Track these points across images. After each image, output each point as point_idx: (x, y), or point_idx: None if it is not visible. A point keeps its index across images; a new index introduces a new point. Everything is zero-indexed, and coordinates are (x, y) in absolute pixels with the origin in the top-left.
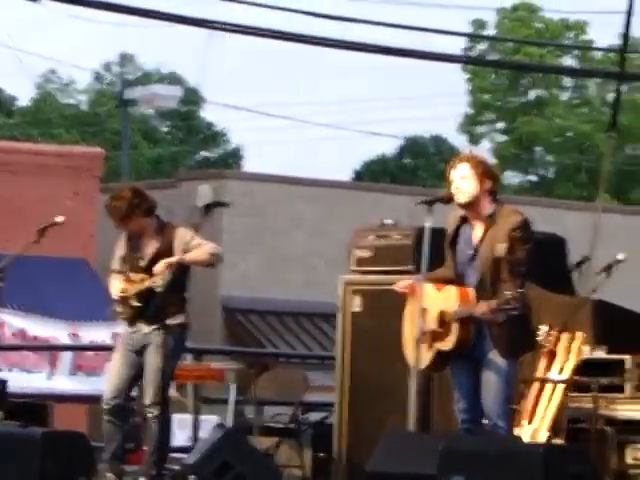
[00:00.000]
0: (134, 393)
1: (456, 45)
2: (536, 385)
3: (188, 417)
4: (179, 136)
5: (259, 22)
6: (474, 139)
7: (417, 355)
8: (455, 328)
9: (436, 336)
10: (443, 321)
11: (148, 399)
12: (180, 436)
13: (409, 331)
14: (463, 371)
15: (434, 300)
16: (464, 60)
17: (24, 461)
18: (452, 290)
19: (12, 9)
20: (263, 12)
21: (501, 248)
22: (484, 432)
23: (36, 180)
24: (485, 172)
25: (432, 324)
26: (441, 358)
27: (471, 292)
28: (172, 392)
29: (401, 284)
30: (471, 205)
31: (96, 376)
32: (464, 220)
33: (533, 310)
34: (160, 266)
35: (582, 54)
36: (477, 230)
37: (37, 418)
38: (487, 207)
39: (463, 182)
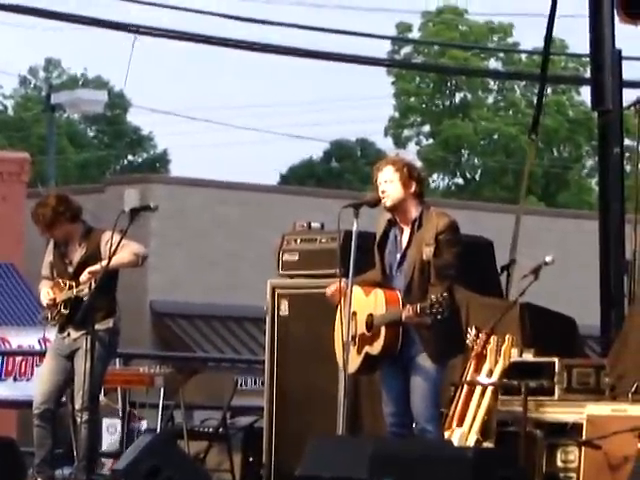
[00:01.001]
0: (64, 398)
1: (381, 48)
2: (465, 388)
3: (117, 422)
4: (105, 140)
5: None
6: (400, 142)
7: (346, 359)
8: (383, 332)
9: (365, 340)
10: (371, 325)
11: (78, 404)
12: (110, 441)
13: (338, 336)
14: (392, 375)
15: (362, 304)
16: (389, 63)
17: None
18: (380, 294)
19: None
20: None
21: (428, 251)
22: (413, 436)
23: None
24: (410, 175)
25: (361, 328)
26: (370, 362)
27: (399, 295)
28: (101, 397)
29: (330, 288)
30: (397, 208)
31: (25, 381)
32: (391, 223)
33: (461, 313)
34: (85, 276)
35: (507, 57)
36: (405, 233)
37: None
38: (413, 210)
39: (389, 185)
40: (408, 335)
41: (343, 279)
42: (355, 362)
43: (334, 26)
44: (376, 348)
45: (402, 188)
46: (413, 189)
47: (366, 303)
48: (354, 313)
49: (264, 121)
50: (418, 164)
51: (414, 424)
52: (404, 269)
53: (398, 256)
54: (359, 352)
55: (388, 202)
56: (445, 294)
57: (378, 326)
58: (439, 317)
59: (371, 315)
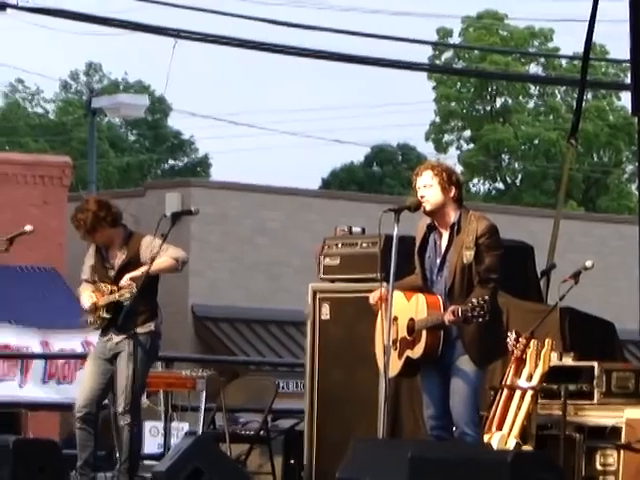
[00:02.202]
0: (106, 401)
1: (422, 53)
2: (505, 392)
3: (159, 424)
4: (146, 145)
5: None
6: (441, 147)
7: (387, 363)
8: (424, 336)
9: (406, 344)
10: (413, 329)
11: (120, 407)
12: (152, 443)
13: (379, 340)
14: (432, 378)
15: (404, 308)
16: (430, 68)
17: (35, 472)
18: (421, 298)
19: None
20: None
21: (469, 255)
22: (453, 439)
23: (4, 189)
24: (449, 180)
25: (402, 332)
26: (411, 365)
27: (440, 300)
28: (143, 400)
29: (374, 296)
30: (436, 213)
31: (67, 384)
32: (431, 228)
33: (503, 317)
34: (126, 281)
35: (547, 62)
36: (444, 237)
37: (9, 426)
38: (452, 214)
39: (428, 190)
40: (449, 339)
41: (384, 284)
42: (396, 366)
43: (375, 31)
44: (417, 352)
45: (441, 192)
46: (452, 193)
47: (407, 308)
48: (395, 318)
49: (306, 126)
50: (457, 169)
51: (454, 428)
52: (444, 274)
53: (438, 261)
54: (400, 356)
55: (427, 206)
56: (487, 297)
57: (419, 330)
58: (480, 320)
59: (412, 319)
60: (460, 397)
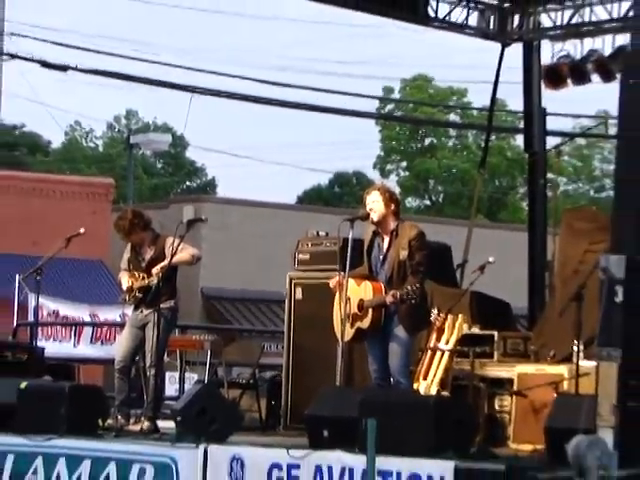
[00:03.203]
0: (137, 358)
1: (371, 105)
2: (429, 352)
3: (176, 375)
4: (169, 171)
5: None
6: (384, 174)
7: (343, 332)
8: (370, 312)
9: (357, 318)
10: (361, 307)
11: (148, 362)
12: (170, 389)
13: (337, 315)
14: (376, 343)
15: (355, 291)
16: (377, 116)
17: (55, 407)
18: (368, 284)
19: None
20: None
21: (404, 254)
22: (391, 387)
23: (65, 202)
24: (390, 198)
25: (354, 309)
26: (360, 334)
27: (382, 286)
28: (165, 357)
29: (332, 281)
30: (381, 222)
31: (109, 345)
32: (376, 233)
33: (428, 298)
34: (156, 269)
35: (463, 112)
36: (385, 241)
37: (66, 375)
38: (392, 223)
39: (375, 205)
40: (389, 314)
41: (341, 273)
42: (349, 334)
43: (337, 89)
44: (365, 324)
45: (384, 207)
46: (392, 208)
47: (358, 291)
48: (349, 298)
49: (287, 157)
50: (396, 190)
51: (392, 378)
52: (385, 267)
53: (381, 257)
54: (352, 327)
55: (375, 217)
56: (417, 285)
57: (367, 308)
58: (413, 302)
59: (362, 300)
60: (396, 356)
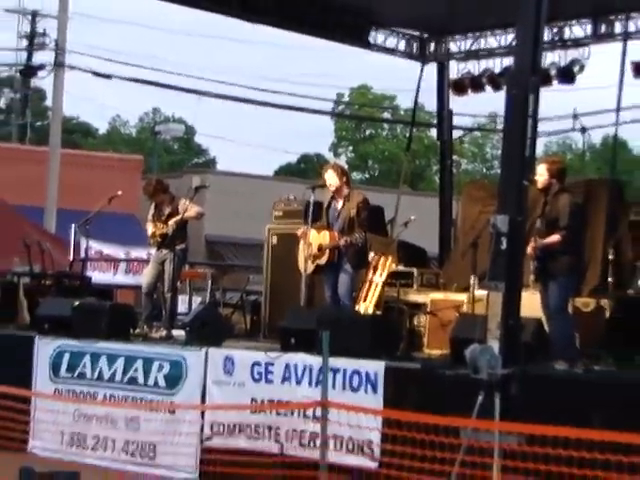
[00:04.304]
0: (159, 284)
1: (328, 106)
2: (367, 283)
3: (186, 297)
4: (183, 151)
5: (227, 91)
6: (337, 155)
7: (306, 267)
8: (327, 252)
9: (316, 256)
10: (320, 249)
11: (166, 288)
12: (181, 307)
13: (301, 255)
14: (330, 275)
15: (316, 238)
16: (332, 114)
17: (99, 319)
18: (326, 233)
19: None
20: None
21: (353, 212)
22: (340, 307)
23: (108, 172)
24: (341, 172)
25: (315, 250)
26: (319, 268)
27: (336, 235)
28: (178, 284)
29: (299, 231)
30: (336, 190)
31: (138, 275)
32: (333, 198)
33: (368, 244)
34: (171, 221)
35: (393, 111)
36: (339, 203)
37: (108, 297)
38: (345, 191)
39: (331, 179)
40: (340, 255)
41: (305, 226)
42: (310, 268)
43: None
44: (323, 260)
45: (338, 180)
46: (344, 180)
47: (318, 238)
48: (310, 243)
49: (269, 142)
50: (345, 166)
51: (341, 301)
52: (339, 222)
53: (336, 214)
54: (313, 263)
55: (332, 188)
56: (363, 234)
57: (325, 249)
58: (360, 245)
59: (321, 244)
60: (344, 285)
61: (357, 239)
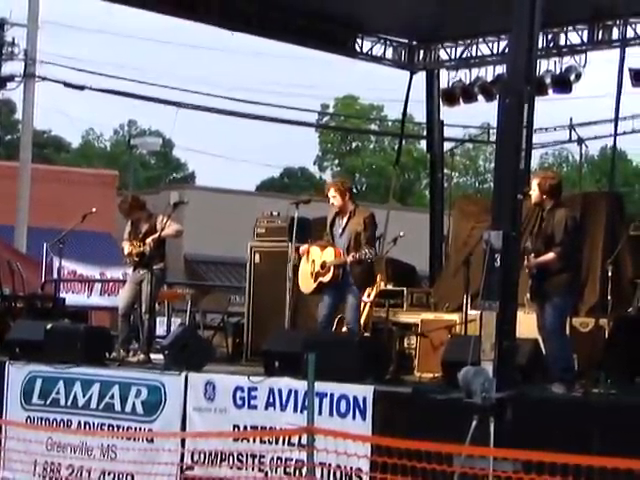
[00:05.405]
0: (136, 306)
1: (312, 117)
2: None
3: (164, 319)
4: (160, 165)
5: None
6: (322, 169)
7: (307, 286)
8: (332, 269)
9: (319, 274)
10: (324, 266)
11: (144, 310)
12: (160, 330)
13: (302, 273)
14: (331, 294)
15: (319, 255)
16: (316, 126)
17: (73, 343)
18: (331, 249)
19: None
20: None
21: (360, 228)
22: (328, 329)
23: (81, 189)
24: (344, 189)
25: (318, 267)
26: (321, 286)
27: (341, 251)
28: (156, 306)
29: (301, 249)
30: (341, 207)
31: (114, 296)
32: (337, 214)
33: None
34: (149, 240)
35: (381, 122)
36: (344, 219)
37: (82, 319)
38: (350, 206)
39: (335, 199)
40: (345, 273)
41: (306, 245)
42: (312, 287)
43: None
44: (327, 278)
45: (341, 198)
46: (347, 196)
47: (322, 254)
48: (313, 260)
49: (250, 155)
50: (347, 182)
51: (346, 324)
52: (343, 238)
53: (340, 231)
54: (315, 281)
55: (336, 204)
56: (372, 250)
57: (329, 266)
58: (369, 261)
59: (325, 261)
60: (353, 310)
61: (367, 254)
